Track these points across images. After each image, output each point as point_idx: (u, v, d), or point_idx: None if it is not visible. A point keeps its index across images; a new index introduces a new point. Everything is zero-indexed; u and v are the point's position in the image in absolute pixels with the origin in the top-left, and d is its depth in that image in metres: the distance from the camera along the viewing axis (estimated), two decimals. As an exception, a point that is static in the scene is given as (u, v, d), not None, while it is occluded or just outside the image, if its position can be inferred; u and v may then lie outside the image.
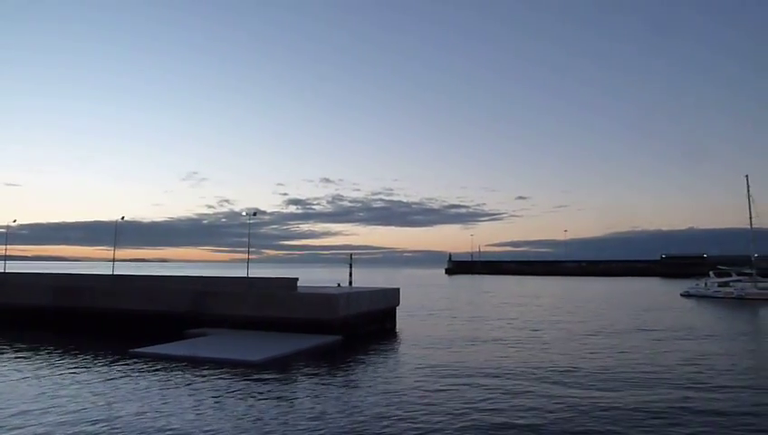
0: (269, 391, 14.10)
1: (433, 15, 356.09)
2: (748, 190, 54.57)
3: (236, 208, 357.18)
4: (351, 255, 41.05)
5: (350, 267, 38.43)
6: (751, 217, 54.66)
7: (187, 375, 15.82)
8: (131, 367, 16.98)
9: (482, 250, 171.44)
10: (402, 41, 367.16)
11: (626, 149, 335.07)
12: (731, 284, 52.75)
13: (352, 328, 23.82)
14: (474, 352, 20.42)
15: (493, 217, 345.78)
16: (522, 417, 11.83)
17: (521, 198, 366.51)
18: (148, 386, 14.44)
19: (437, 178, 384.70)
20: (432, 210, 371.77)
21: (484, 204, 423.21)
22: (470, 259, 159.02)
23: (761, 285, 50.67)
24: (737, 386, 14.93)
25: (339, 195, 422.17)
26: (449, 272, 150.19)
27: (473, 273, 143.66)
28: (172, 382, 14.91)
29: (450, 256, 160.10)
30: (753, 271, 53.16)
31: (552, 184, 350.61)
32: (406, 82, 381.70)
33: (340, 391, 14.29)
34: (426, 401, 13.05)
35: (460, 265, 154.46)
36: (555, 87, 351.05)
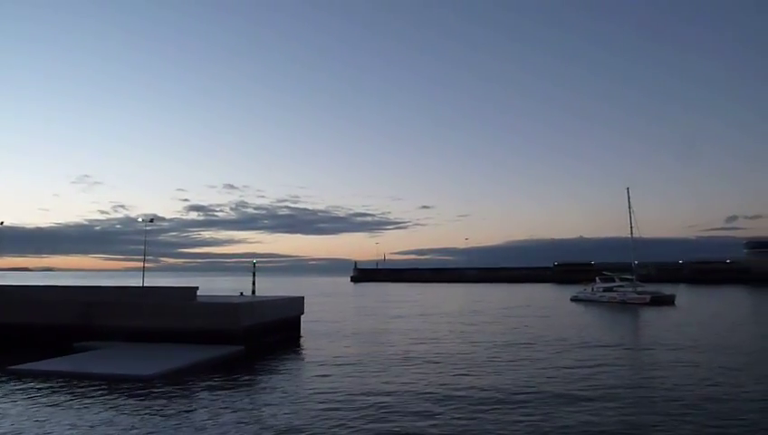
0: (164, 406, 13.46)
1: (339, 22, 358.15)
2: (629, 203, 59.30)
3: (132, 214, 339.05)
4: (255, 263, 40.16)
5: (254, 276, 37.57)
6: (632, 228, 59.41)
7: (73, 392, 14.75)
8: (11, 386, 15.60)
9: (387, 258, 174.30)
10: (307, 47, 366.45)
11: (524, 161, 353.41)
12: (614, 289, 56.97)
13: (255, 338, 23.28)
14: (377, 363, 20.43)
15: (398, 225, 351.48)
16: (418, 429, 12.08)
17: (425, 207, 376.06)
18: (28, 406, 13.32)
19: (344, 187, 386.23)
20: (338, 218, 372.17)
21: (390, 212, 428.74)
22: (375, 267, 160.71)
23: (640, 289, 55.08)
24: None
25: (243, 201, 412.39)
26: (355, 280, 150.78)
27: (378, 280, 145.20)
28: (56, 401, 13.83)
29: (356, 263, 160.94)
30: (634, 277, 57.82)
31: (455, 194, 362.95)
32: (312, 90, 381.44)
33: (241, 403, 13.89)
34: (329, 413, 12.89)
35: (365, 273, 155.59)
36: (457, 99, 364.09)
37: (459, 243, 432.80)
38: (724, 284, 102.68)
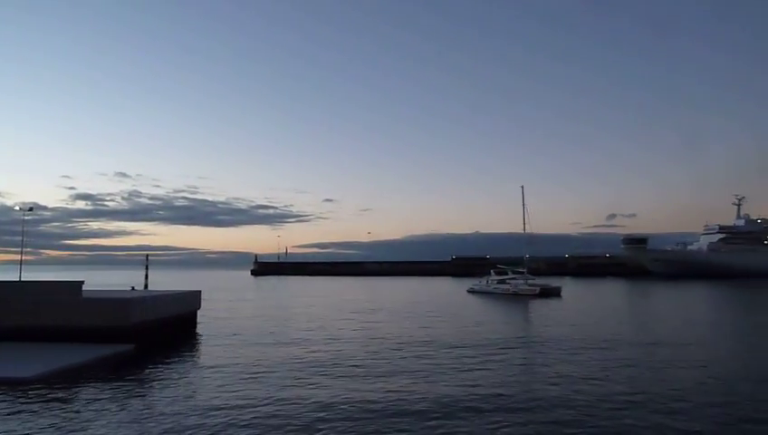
0: (43, 410, 12.54)
1: (236, 13, 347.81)
2: (523, 200, 62.79)
3: (9, 202, 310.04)
4: (148, 256, 38.36)
5: (146, 269, 35.91)
6: (524, 224, 62.98)
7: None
8: None
9: (289, 251, 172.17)
10: (206, 33, 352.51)
11: (425, 158, 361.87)
12: (507, 281, 60.16)
13: (147, 335, 22.19)
14: (277, 359, 19.96)
15: (300, 218, 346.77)
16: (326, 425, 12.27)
17: (328, 200, 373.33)
18: None
19: (246, 178, 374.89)
20: (239, 210, 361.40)
21: (293, 205, 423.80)
22: (277, 260, 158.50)
23: (530, 281, 58.55)
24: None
25: (136, 191, 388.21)
26: (255, 273, 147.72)
27: (279, 274, 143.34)
28: None
29: (256, 257, 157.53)
30: (525, 270, 61.34)
31: (358, 188, 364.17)
32: (213, 78, 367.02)
33: (128, 405, 13.18)
34: (224, 414, 12.46)
35: (266, 267, 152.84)
36: (360, 93, 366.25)
37: (362, 237, 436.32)
38: (604, 276, 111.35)
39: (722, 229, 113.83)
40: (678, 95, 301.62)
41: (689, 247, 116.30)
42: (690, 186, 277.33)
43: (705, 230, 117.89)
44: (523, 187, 62.54)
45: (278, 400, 13.84)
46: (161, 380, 16.27)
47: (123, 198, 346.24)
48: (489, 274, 64.51)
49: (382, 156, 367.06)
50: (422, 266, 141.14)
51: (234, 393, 14.41)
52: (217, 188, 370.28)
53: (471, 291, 61.17)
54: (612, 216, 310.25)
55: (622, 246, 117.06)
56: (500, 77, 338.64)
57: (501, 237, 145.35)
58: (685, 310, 39.98)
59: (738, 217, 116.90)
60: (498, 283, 60.28)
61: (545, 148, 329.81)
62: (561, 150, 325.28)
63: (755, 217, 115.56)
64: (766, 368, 17.83)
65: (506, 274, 62.95)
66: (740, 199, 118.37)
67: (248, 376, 16.68)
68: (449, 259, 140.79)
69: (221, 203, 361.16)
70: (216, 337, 25.46)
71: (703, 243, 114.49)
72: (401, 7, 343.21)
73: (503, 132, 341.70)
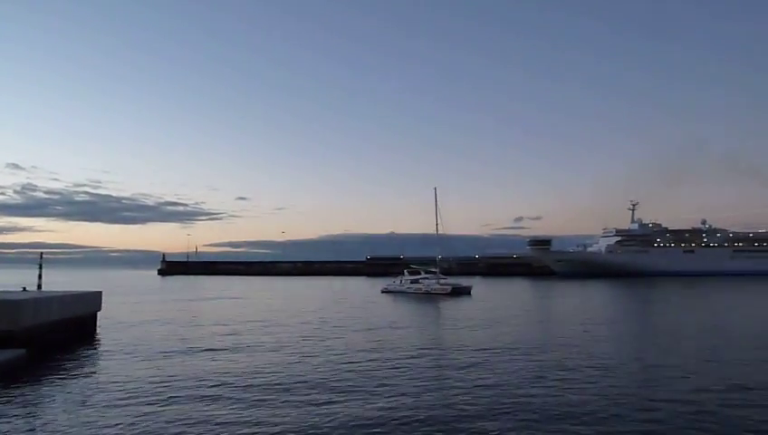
0: None
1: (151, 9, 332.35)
2: (436, 201, 64.15)
3: None
4: (42, 254, 35.69)
5: (40, 268, 33.38)
6: (437, 225, 64.37)
7: None
8: None
9: (199, 250, 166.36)
10: (114, 19, 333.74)
11: (339, 157, 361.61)
12: (420, 281, 61.30)
13: (40, 340, 20.66)
14: (181, 367, 18.68)
15: (212, 216, 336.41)
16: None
17: (241, 198, 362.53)
18: None
19: (153, 173, 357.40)
20: (146, 207, 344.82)
21: (204, 203, 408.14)
22: (186, 260, 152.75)
23: (442, 281, 60.03)
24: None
25: (31, 184, 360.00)
26: (162, 273, 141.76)
27: (188, 274, 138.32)
28: None
29: (164, 256, 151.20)
30: (437, 270, 62.84)
31: (272, 186, 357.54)
32: (118, 65, 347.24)
33: (14, 416, 12.19)
34: (122, 426, 11.65)
35: (175, 266, 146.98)
36: (274, 91, 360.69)
37: (276, 236, 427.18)
38: (511, 276, 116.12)
39: (618, 232, 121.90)
40: (579, 107, 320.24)
41: (589, 249, 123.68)
42: (591, 191, 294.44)
43: (603, 233, 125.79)
44: (436, 188, 63.97)
45: (178, 414, 13.18)
46: (55, 387, 15.16)
47: (15, 192, 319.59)
48: (403, 274, 65.44)
49: (298, 155, 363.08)
50: (337, 266, 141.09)
51: (132, 407, 13.35)
52: (123, 183, 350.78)
53: (385, 291, 61.73)
54: (519, 218, 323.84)
55: (528, 247, 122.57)
56: (415, 77, 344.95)
57: (415, 238, 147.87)
58: (585, 307, 42.33)
59: (632, 221, 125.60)
60: (411, 282, 61.25)
61: (459, 150, 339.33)
62: (473, 154, 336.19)
63: (647, 222, 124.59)
64: (655, 356, 19.18)
65: (419, 274, 64.10)
66: (634, 205, 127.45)
67: (149, 385, 15.67)
68: (364, 259, 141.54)
69: (126, 199, 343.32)
70: (117, 342, 24.03)
71: (601, 245, 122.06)
72: (310, 4, 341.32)
73: (418, 134, 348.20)
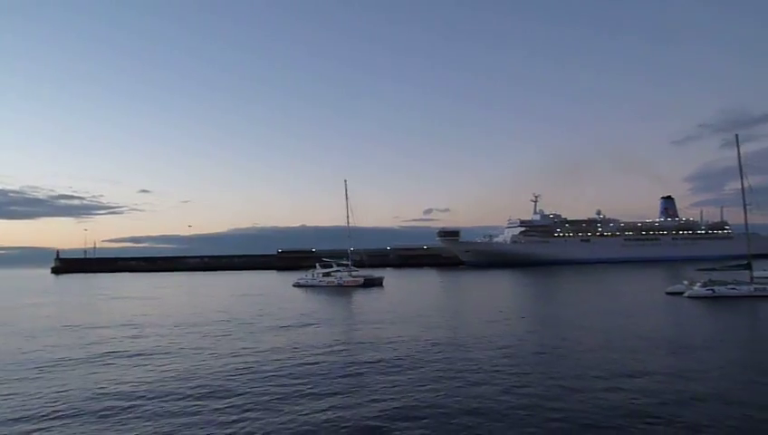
0: None
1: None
2: (346, 194, 63.96)
3: None
4: None
5: None
6: (348, 217, 64.23)
7: None
8: None
9: (98, 246, 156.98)
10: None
11: (249, 148, 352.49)
12: (332, 274, 61.07)
13: None
14: (75, 376, 17.29)
15: (112, 210, 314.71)
16: None
17: (144, 191, 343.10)
18: None
19: (45, 164, 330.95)
20: (37, 200, 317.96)
21: (102, 196, 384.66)
22: (83, 256, 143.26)
23: (354, 273, 60.18)
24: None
25: None
26: (57, 271, 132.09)
27: (86, 271, 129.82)
28: None
29: (58, 252, 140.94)
30: (349, 262, 62.86)
31: (177, 178, 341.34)
32: (6, 47, 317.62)
33: None
34: None
35: (71, 263, 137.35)
36: (179, 81, 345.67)
37: (182, 230, 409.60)
38: (422, 266, 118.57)
39: (522, 223, 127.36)
40: (488, 101, 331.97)
41: (495, 239, 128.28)
42: (498, 184, 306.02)
43: (508, 224, 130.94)
44: (346, 181, 63.78)
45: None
46: None
47: None
48: (315, 267, 64.88)
49: (204, 146, 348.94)
50: (247, 260, 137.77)
51: (16, 428, 11.98)
52: (10, 175, 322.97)
53: (297, 285, 60.93)
54: (429, 210, 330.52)
55: (438, 238, 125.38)
56: (324, 67, 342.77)
57: (327, 231, 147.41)
58: (491, 296, 43.94)
59: (535, 212, 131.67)
60: (324, 276, 60.91)
61: (369, 144, 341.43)
62: (384, 147, 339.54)
63: (548, 213, 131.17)
64: (550, 342, 20.16)
65: (332, 266, 63.81)
66: (537, 197, 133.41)
67: (37, 400, 14.18)
68: (275, 253, 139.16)
69: (13, 192, 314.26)
70: (2, 351, 22.00)
71: (507, 235, 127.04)
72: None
73: (328, 126, 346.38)
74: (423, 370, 15.75)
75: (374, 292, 49.21)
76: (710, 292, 36.01)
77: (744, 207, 40.33)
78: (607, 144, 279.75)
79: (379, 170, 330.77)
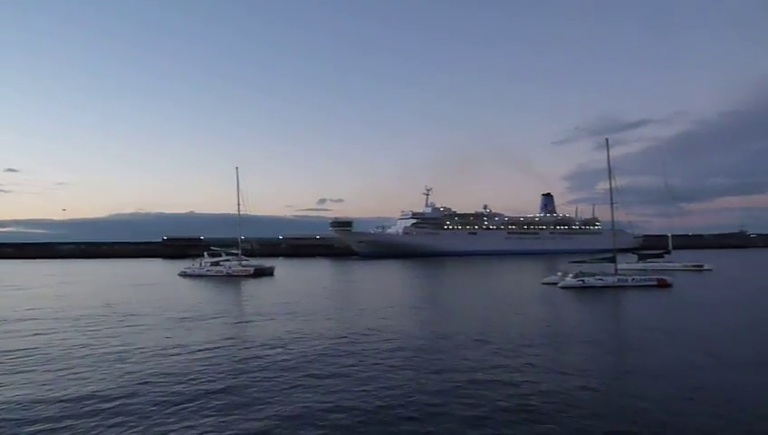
0: None
1: None
2: (238, 181, 62.10)
3: None
4: None
5: None
6: (239, 205, 62.45)
7: None
8: None
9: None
10: None
11: (132, 129, 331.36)
12: (221, 263, 59.25)
13: None
14: None
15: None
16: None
17: (11, 170, 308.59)
18: None
19: None
20: None
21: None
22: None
23: (244, 263, 58.81)
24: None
25: None
26: None
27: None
28: None
29: None
30: (240, 251, 61.26)
31: (51, 157, 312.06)
32: None
33: None
34: None
35: None
36: (60, 48, 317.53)
37: (56, 214, 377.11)
38: (314, 256, 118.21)
39: (414, 215, 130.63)
40: (381, 96, 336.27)
41: (388, 230, 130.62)
42: (392, 176, 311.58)
43: (401, 216, 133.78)
44: (237, 168, 61.96)
45: None
46: None
47: None
48: (203, 255, 62.68)
49: (84, 124, 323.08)
50: (130, 248, 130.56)
51: None
52: None
53: (183, 274, 58.45)
54: (323, 200, 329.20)
55: (330, 228, 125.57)
56: (217, 57, 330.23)
57: (216, 218, 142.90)
58: (383, 285, 44.80)
59: (426, 205, 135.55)
60: (212, 265, 58.98)
61: (262, 130, 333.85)
62: (277, 135, 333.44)
63: (439, 206, 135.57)
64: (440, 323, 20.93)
65: (221, 255, 61.93)
66: (428, 190, 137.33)
67: None
68: (160, 240, 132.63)
69: None
70: None
71: (399, 227, 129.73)
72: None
73: (220, 111, 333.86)
74: (306, 368, 15.22)
75: (265, 282, 48.37)
76: (580, 282, 39.02)
77: (612, 206, 44.18)
78: (494, 142, 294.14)
79: (273, 159, 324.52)
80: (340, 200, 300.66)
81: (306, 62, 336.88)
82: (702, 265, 57.70)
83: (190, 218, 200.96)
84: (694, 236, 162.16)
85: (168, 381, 13.51)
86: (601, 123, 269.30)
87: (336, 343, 18.58)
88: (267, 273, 56.72)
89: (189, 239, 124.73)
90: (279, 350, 17.42)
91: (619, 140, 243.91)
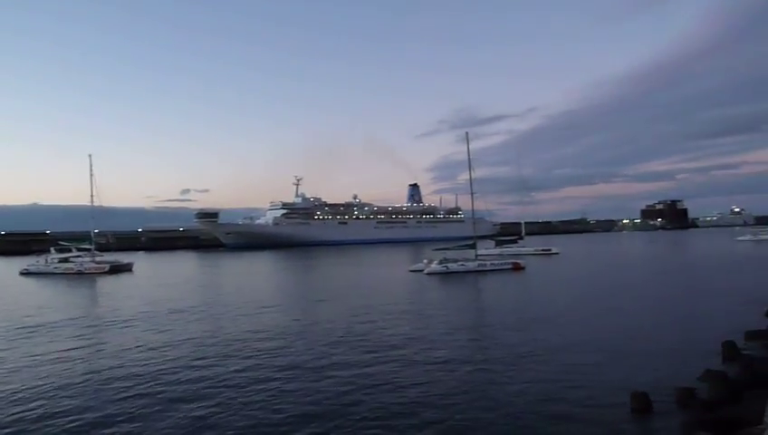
0: None
1: None
2: (91, 170, 57.03)
3: None
4: None
5: None
6: (93, 196, 57.35)
7: None
8: None
9: None
10: None
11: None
12: (71, 259, 54.20)
13: None
14: None
15: None
16: None
17: None
18: None
19: None
20: None
21: None
22: None
23: (98, 259, 54.28)
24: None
25: None
26: None
27: None
28: None
29: None
30: (93, 246, 56.30)
31: None
32: None
33: None
34: None
35: None
36: None
37: None
38: (178, 250, 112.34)
39: (284, 205, 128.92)
40: (249, 83, 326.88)
41: (257, 221, 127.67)
42: (260, 166, 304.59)
43: (270, 206, 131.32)
44: (90, 156, 56.86)
45: None
46: None
47: None
48: (49, 251, 56.85)
49: None
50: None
51: None
52: None
53: (25, 272, 52.48)
54: (187, 190, 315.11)
55: (196, 220, 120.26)
56: (60, 41, 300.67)
57: (64, 210, 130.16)
58: (252, 278, 43.62)
59: (297, 195, 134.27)
60: (60, 261, 53.72)
61: (119, 117, 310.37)
62: (136, 122, 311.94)
63: (309, 196, 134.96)
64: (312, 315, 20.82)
65: (70, 251, 56.64)
66: (299, 180, 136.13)
67: None
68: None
69: None
70: None
71: (269, 217, 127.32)
72: None
73: (71, 94, 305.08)
74: (167, 380, 13.97)
75: (122, 279, 44.88)
76: (444, 268, 40.93)
77: (471, 195, 46.97)
78: (363, 132, 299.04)
79: (131, 146, 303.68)
80: (206, 190, 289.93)
81: (167, 50, 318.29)
82: (550, 250, 63.27)
83: (33, 211, 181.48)
84: (544, 222, 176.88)
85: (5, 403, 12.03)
86: (463, 117, 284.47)
87: (201, 349, 16.63)
88: (125, 269, 52.79)
89: (32, 234, 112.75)
90: (137, 360, 15.36)
91: (479, 133, 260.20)
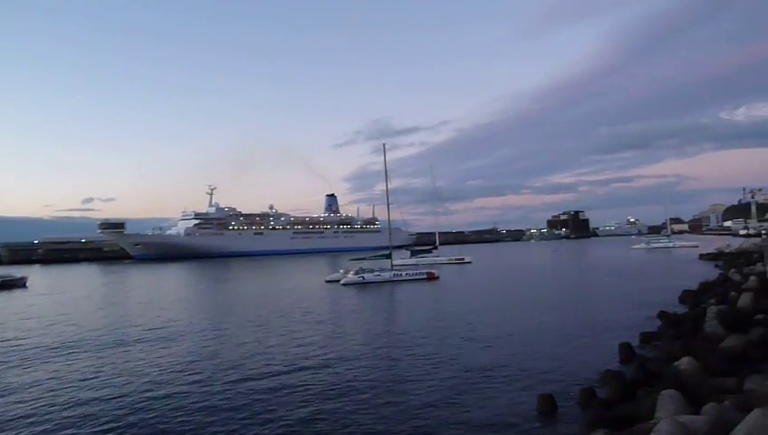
0: None
1: None
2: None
3: None
4: None
5: None
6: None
7: None
8: None
9: None
10: None
11: None
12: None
13: None
14: None
15: None
16: None
17: None
18: None
19: None
20: None
21: None
22: None
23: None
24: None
25: None
26: None
27: None
28: None
29: None
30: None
31: None
32: None
33: None
34: None
35: None
36: None
37: None
38: (80, 262, 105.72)
39: (197, 215, 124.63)
40: (166, 92, 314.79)
41: (168, 232, 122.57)
42: (169, 175, 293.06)
43: (182, 216, 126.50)
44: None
45: None
46: None
47: None
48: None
49: None
50: None
51: None
52: None
53: None
54: (89, 199, 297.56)
55: (99, 230, 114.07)
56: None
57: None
58: (160, 291, 41.61)
59: (210, 205, 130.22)
60: None
61: (6, 121, 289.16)
62: (29, 126, 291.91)
63: (224, 206, 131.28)
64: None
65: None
66: (212, 189, 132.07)
67: None
68: None
69: None
70: None
71: (180, 227, 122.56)
72: None
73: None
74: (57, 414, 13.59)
75: (14, 296, 41.28)
76: (360, 279, 40.98)
77: (388, 206, 47.54)
78: (276, 142, 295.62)
79: (26, 154, 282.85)
80: (111, 199, 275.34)
81: (79, 54, 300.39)
82: (463, 259, 65.12)
83: None
84: (457, 232, 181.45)
85: None
86: (379, 127, 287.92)
87: (106, 374, 16.02)
88: (18, 285, 48.79)
89: None
90: (22, 394, 13.27)
91: (395, 144, 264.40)
